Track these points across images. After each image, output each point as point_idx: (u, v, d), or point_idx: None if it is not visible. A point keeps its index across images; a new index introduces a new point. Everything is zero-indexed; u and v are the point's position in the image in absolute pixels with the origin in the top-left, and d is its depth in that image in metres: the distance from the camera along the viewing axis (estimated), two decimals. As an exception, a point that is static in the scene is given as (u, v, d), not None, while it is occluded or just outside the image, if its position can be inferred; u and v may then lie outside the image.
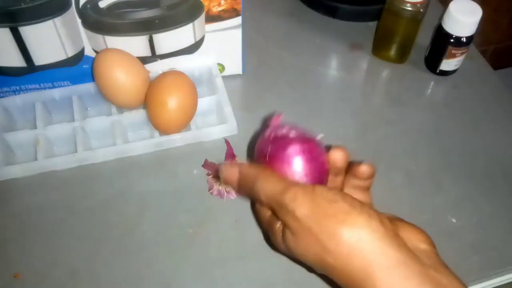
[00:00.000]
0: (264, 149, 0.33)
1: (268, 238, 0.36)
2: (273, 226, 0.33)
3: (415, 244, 0.29)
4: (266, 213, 0.34)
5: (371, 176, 0.33)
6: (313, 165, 0.32)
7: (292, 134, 0.33)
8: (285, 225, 0.31)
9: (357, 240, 0.27)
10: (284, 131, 0.33)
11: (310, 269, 0.31)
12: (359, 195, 0.33)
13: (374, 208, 0.29)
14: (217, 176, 0.45)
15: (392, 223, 0.29)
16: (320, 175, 0.33)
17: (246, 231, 0.42)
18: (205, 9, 0.46)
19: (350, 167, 0.34)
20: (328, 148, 0.34)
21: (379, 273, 0.26)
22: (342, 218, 0.28)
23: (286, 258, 0.41)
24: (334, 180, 0.34)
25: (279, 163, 0.32)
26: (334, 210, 0.28)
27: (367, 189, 0.34)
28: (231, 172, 0.34)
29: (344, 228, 0.27)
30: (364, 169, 0.32)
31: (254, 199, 0.33)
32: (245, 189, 0.33)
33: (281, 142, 0.33)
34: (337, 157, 0.33)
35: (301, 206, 0.29)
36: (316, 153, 0.33)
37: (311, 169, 0.32)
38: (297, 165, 0.32)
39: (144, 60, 0.49)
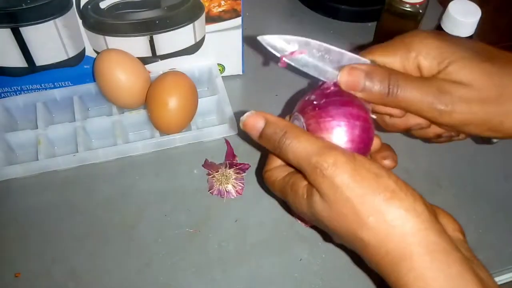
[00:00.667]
0: (315, 99, 0.31)
1: (284, 203, 0.34)
2: (294, 186, 0.30)
3: (451, 232, 0.28)
4: (281, 173, 0.32)
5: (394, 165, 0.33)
6: (362, 134, 0.30)
7: (350, 96, 0.31)
8: (316, 189, 0.28)
9: (401, 221, 0.25)
10: (341, 91, 0.31)
11: (326, 237, 0.29)
12: None
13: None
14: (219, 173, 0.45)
15: (432, 208, 0.27)
16: (364, 146, 0.31)
17: (246, 231, 0.43)
18: (205, 10, 0.46)
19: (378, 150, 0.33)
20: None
21: (418, 257, 0.25)
22: (389, 196, 0.26)
23: (285, 258, 0.41)
24: None
25: (327, 119, 0.30)
26: (380, 185, 0.26)
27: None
28: (256, 119, 0.31)
29: (389, 206, 0.26)
30: (388, 164, 0.32)
31: (278, 154, 0.30)
32: (270, 142, 0.30)
33: (338, 99, 0.30)
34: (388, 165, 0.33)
35: (342, 173, 0.26)
36: (367, 124, 0.30)
37: (359, 138, 0.30)
38: (347, 127, 0.30)
39: (144, 60, 0.49)
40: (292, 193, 0.31)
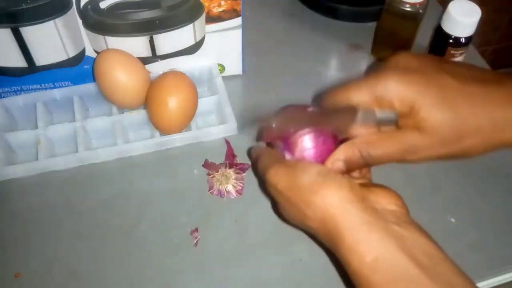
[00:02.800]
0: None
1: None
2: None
3: (384, 205, 0.32)
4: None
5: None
6: (318, 147, 0.36)
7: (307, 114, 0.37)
8: (273, 197, 0.35)
9: (328, 206, 0.31)
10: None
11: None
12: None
13: (347, 177, 0.33)
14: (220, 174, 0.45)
15: (364, 189, 0.32)
16: (321, 155, 0.36)
17: (246, 231, 0.43)
18: (206, 10, 0.46)
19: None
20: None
21: (346, 232, 0.30)
22: (316, 188, 0.32)
23: (285, 258, 0.41)
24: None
25: (288, 139, 0.36)
26: (309, 181, 0.32)
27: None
28: (254, 152, 0.40)
29: (317, 197, 0.31)
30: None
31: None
32: (253, 160, 0.39)
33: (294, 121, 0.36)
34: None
35: (281, 180, 0.33)
36: (322, 136, 0.36)
37: (315, 150, 0.36)
38: (302, 142, 0.36)
39: (144, 60, 0.49)
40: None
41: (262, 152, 0.38)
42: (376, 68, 0.36)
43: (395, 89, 0.34)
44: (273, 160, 0.36)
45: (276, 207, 0.38)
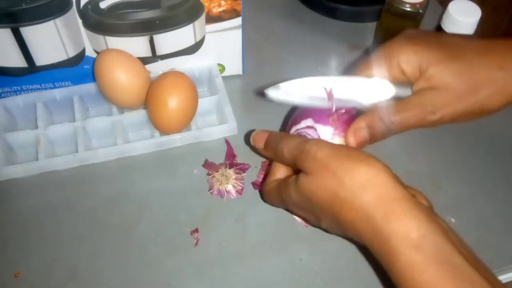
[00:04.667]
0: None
1: (266, 197, 0.40)
2: (284, 182, 0.36)
3: (418, 199, 0.32)
4: (278, 173, 0.38)
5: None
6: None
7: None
8: (303, 169, 0.33)
9: (372, 175, 0.30)
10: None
11: (308, 221, 0.36)
12: None
13: None
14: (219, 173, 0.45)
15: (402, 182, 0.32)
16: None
17: (246, 231, 0.43)
18: (206, 10, 0.46)
19: None
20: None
21: (389, 204, 0.29)
22: (362, 158, 0.31)
23: (285, 258, 0.41)
24: None
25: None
26: (354, 153, 0.31)
27: None
28: (261, 134, 0.38)
29: (362, 165, 0.30)
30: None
31: (276, 156, 0.36)
32: (271, 147, 0.37)
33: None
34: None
35: (323, 148, 0.32)
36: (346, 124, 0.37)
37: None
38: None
39: (144, 60, 0.49)
40: (284, 189, 0.36)
41: (284, 135, 0.36)
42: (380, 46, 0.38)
43: (401, 53, 0.35)
44: (304, 138, 0.35)
45: (283, 192, 0.36)
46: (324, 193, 0.31)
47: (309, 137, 0.38)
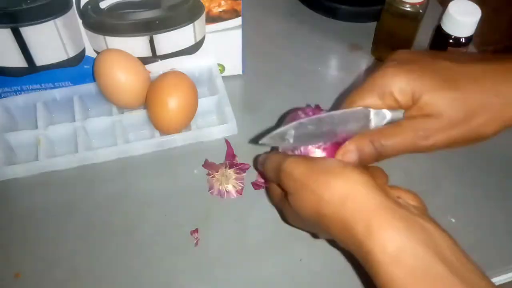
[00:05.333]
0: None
1: (283, 215, 0.40)
2: (281, 199, 0.36)
3: (405, 200, 0.31)
4: (276, 190, 0.38)
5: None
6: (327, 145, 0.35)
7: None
8: (285, 189, 0.33)
9: (349, 188, 0.29)
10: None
11: (314, 234, 0.36)
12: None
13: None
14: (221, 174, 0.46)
15: (384, 184, 0.32)
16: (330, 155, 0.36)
17: (246, 231, 0.43)
18: (206, 10, 0.46)
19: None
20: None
21: (368, 215, 0.28)
22: (337, 171, 0.31)
23: (285, 258, 0.41)
24: None
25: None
26: (329, 166, 0.31)
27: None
28: (261, 158, 0.39)
29: (338, 179, 0.30)
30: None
31: (267, 175, 0.37)
32: (264, 170, 0.38)
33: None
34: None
35: (299, 166, 0.32)
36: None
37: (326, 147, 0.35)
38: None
39: (144, 60, 0.49)
40: (282, 207, 0.37)
41: (269, 154, 0.37)
42: (374, 68, 0.37)
43: (393, 82, 0.34)
44: (289, 155, 0.35)
45: (283, 207, 0.37)
46: (309, 210, 0.32)
47: (295, 151, 0.37)
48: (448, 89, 0.33)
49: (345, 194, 0.29)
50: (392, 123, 0.35)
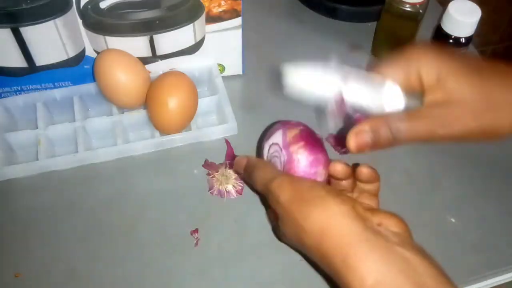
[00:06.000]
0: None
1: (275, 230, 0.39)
2: (272, 216, 0.37)
3: (387, 227, 0.31)
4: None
5: (373, 179, 0.35)
6: (313, 164, 0.35)
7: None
8: (273, 210, 0.34)
9: (327, 221, 0.29)
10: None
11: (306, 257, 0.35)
12: (366, 200, 0.35)
13: (351, 197, 0.33)
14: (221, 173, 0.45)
15: (367, 211, 0.31)
16: (315, 175, 0.35)
17: (246, 231, 0.43)
18: (206, 10, 0.46)
19: (355, 169, 0.35)
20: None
21: (346, 248, 0.28)
22: (317, 202, 0.30)
23: (285, 258, 0.41)
24: (339, 184, 0.36)
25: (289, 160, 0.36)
26: (311, 195, 0.31)
27: (374, 195, 0.36)
28: (241, 160, 0.38)
29: (317, 210, 0.30)
30: (363, 170, 0.34)
31: (254, 185, 0.36)
32: (247, 176, 0.37)
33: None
34: (337, 169, 0.35)
35: (284, 192, 0.32)
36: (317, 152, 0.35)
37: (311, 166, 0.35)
38: (299, 159, 0.35)
39: (144, 60, 0.49)
40: (275, 223, 0.37)
41: (257, 163, 0.37)
42: (373, 64, 0.36)
43: (422, 60, 0.33)
44: (275, 172, 0.34)
45: (276, 229, 0.37)
46: (293, 237, 0.32)
47: (277, 160, 0.37)
48: (474, 77, 0.33)
49: (324, 226, 0.29)
50: (408, 109, 0.34)
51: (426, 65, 0.33)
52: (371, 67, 0.36)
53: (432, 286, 0.27)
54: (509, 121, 0.33)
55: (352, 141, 0.34)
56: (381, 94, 0.34)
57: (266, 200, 0.36)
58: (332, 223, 0.29)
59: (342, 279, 0.28)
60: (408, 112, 0.34)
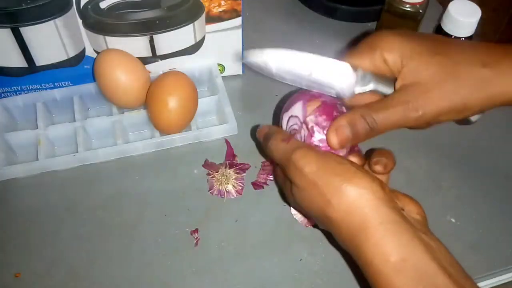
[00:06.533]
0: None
1: (283, 193, 0.39)
2: (284, 183, 0.36)
3: (409, 213, 0.31)
4: (281, 175, 0.37)
5: (387, 171, 0.35)
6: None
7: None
8: (292, 181, 0.33)
9: (358, 197, 0.29)
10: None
11: (316, 225, 0.35)
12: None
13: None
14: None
15: (392, 192, 0.31)
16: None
17: (246, 231, 0.43)
18: (206, 10, 0.46)
19: (369, 154, 0.35)
20: None
21: (372, 228, 0.28)
22: (349, 176, 0.30)
23: (285, 258, 0.41)
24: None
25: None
26: (342, 169, 0.31)
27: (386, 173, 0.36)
28: (263, 128, 0.38)
29: (348, 185, 0.30)
30: (378, 168, 0.34)
31: (268, 153, 0.36)
32: (266, 143, 0.36)
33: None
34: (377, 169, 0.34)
35: (310, 163, 0.31)
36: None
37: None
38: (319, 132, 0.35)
39: (144, 60, 0.49)
40: (284, 188, 0.36)
41: (278, 132, 0.36)
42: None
43: (384, 43, 0.34)
44: (298, 142, 0.34)
45: (286, 191, 0.36)
46: (315, 209, 0.32)
47: (297, 133, 0.37)
48: (436, 54, 0.33)
49: (353, 202, 0.29)
50: (383, 96, 0.35)
51: (388, 49, 0.34)
52: (340, 57, 0.36)
53: (453, 272, 0.28)
54: (477, 95, 0.33)
55: (333, 138, 0.34)
56: (333, 72, 0.35)
57: (279, 172, 0.37)
58: (362, 200, 0.29)
59: (363, 254, 0.29)
60: (380, 101, 0.34)
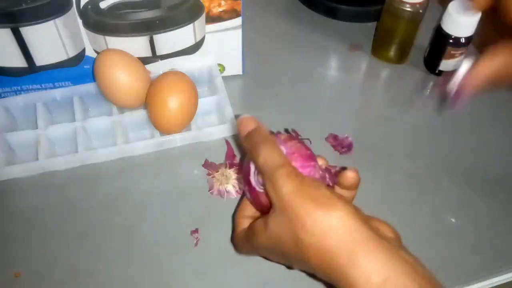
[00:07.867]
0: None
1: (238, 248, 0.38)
2: (252, 227, 0.35)
3: (383, 232, 0.31)
4: (244, 223, 0.37)
5: (355, 185, 0.35)
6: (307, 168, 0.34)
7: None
8: (270, 197, 0.32)
9: (333, 220, 0.29)
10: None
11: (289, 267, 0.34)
12: None
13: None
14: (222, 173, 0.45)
15: (366, 216, 0.31)
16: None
17: (246, 231, 0.43)
18: (206, 10, 0.46)
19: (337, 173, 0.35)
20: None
21: (352, 247, 0.28)
22: (323, 201, 0.30)
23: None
24: None
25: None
26: (317, 193, 0.30)
27: (350, 202, 0.35)
28: (249, 122, 0.35)
29: (323, 209, 0.29)
30: (349, 174, 0.34)
31: (251, 154, 0.34)
32: (251, 142, 0.34)
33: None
34: (350, 175, 0.34)
35: (289, 183, 0.31)
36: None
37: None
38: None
39: (144, 60, 0.49)
40: (252, 236, 0.34)
41: (267, 139, 0.34)
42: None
43: None
44: (284, 158, 0.33)
45: (251, 231, 0.35)
46: (289, 236, 0.31)
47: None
48: None
49: (330, 225, 0.29)
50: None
51: None
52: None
53: (430, 286, 0.28)
54: None
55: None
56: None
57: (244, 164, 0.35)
58: (338, 221, 0.29)
59: (346, 278, 0.28)
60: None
